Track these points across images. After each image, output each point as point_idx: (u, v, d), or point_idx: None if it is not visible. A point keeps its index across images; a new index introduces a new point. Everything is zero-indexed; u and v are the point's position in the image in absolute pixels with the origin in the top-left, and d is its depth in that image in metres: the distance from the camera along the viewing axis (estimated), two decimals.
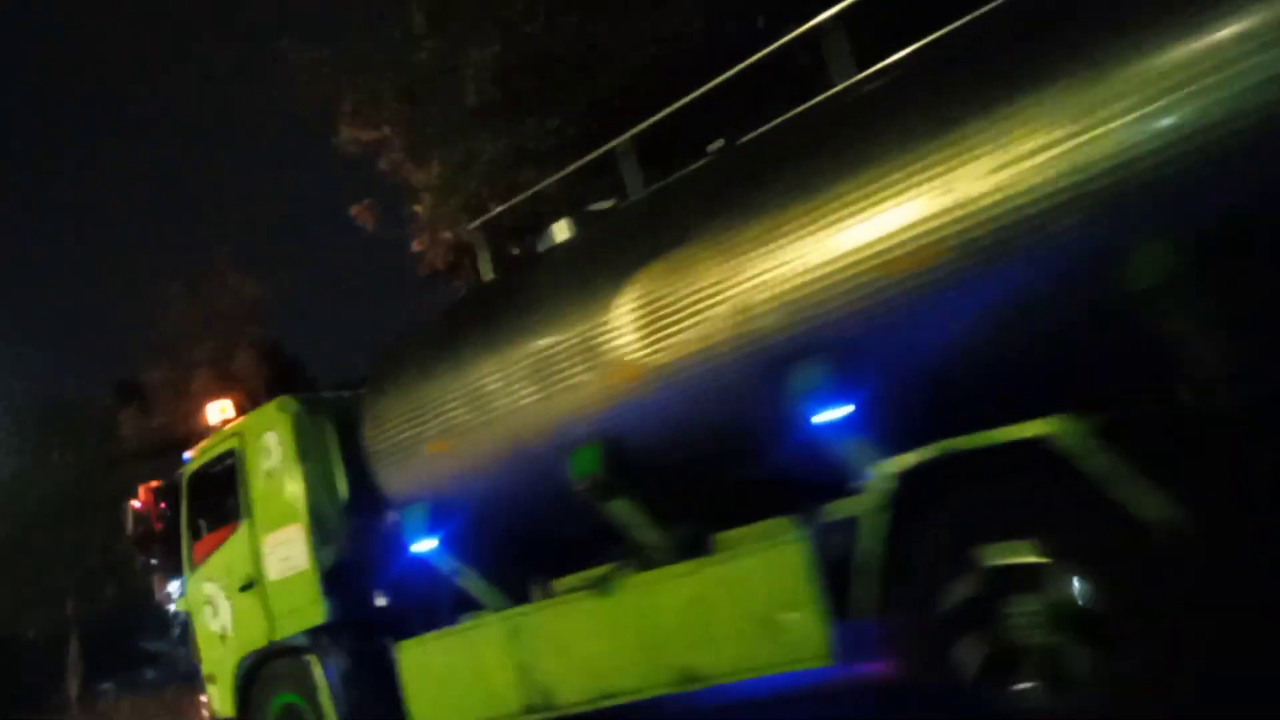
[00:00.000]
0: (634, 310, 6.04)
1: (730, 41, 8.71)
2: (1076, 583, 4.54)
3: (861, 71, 5.64)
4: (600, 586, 6.47)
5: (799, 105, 5.93)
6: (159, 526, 9.57)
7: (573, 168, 7.96)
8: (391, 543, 7.61)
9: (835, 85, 5.75)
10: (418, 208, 10.95)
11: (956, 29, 5.27)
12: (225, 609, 8.82)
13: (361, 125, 11.47)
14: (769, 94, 7.50)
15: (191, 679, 13.22)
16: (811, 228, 5.20)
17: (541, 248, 7.50)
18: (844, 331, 5.11)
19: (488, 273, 8.06)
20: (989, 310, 4.77)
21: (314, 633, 8.13)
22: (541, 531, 7.03)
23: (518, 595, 7.30)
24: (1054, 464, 4.47)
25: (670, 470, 6.12)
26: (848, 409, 5.15)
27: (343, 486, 8.19)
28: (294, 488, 8.16)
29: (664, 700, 6.45)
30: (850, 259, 5.06)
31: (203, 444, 9.19)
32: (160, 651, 25.61)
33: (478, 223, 8.37)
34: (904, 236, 4.88)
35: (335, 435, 8.25)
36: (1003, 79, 4.72)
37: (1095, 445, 4.39)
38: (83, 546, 24.25)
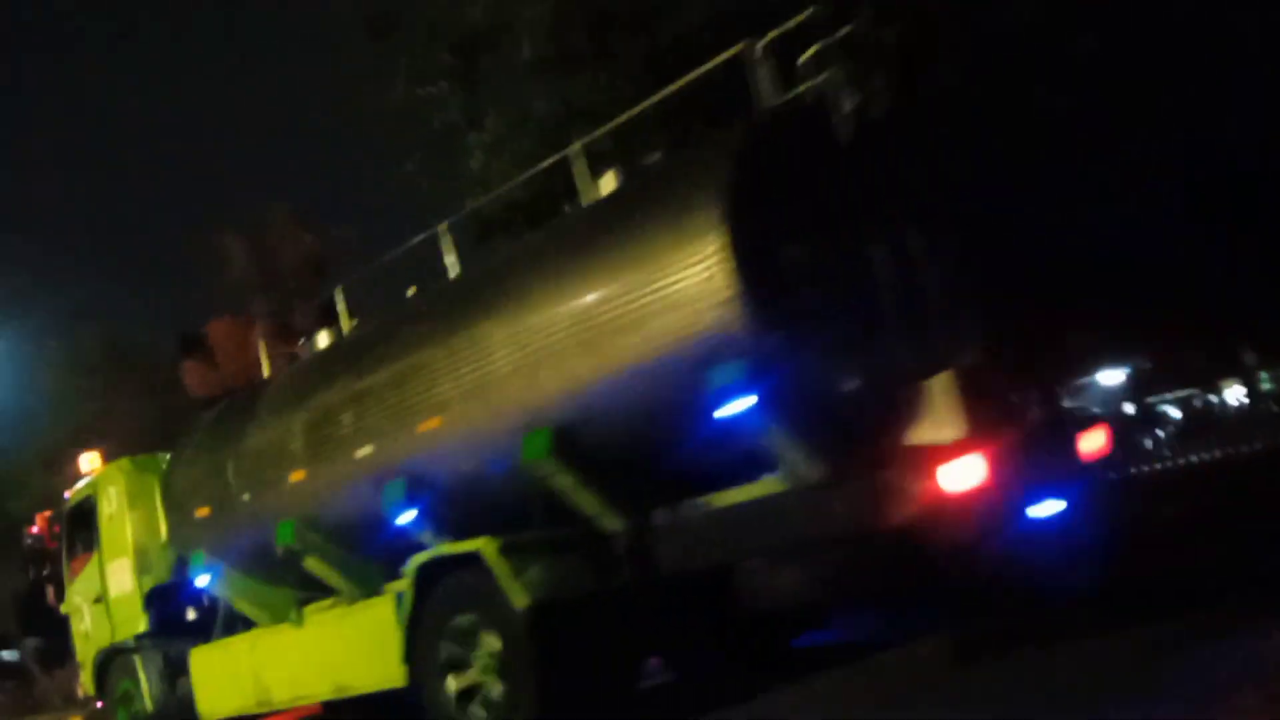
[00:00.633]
0: (307, 433, 8.65)
1: None
2: (494, 640, 7.09)
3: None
4: (295, 620, 9.13)
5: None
6: (52, 545, 12.38)
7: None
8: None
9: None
10: (471, 165, 10.85)
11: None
12: (87, 615, 11.62)
13: (417, 82, 11.34)
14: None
15: None
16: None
17: (305, 354, 10.10)
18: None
19: (267, 370, 10.68)
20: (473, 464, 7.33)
21: (139, 638, 10.87)
22: (272, 579, 9.64)
23: (279, 616, 9.93)
24: (482, 565, 7.01)
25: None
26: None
27: (164, 529, 10.87)
28: (125, 529, 10.92)
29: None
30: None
31: (76, 487, 11.96)
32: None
33: (266, 335, 10.99)
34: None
35: (158, 489, 10.93)
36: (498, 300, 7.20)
37: (499, 555, 6.92)
38: None
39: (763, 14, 7.28)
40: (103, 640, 11.36)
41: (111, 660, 11.37)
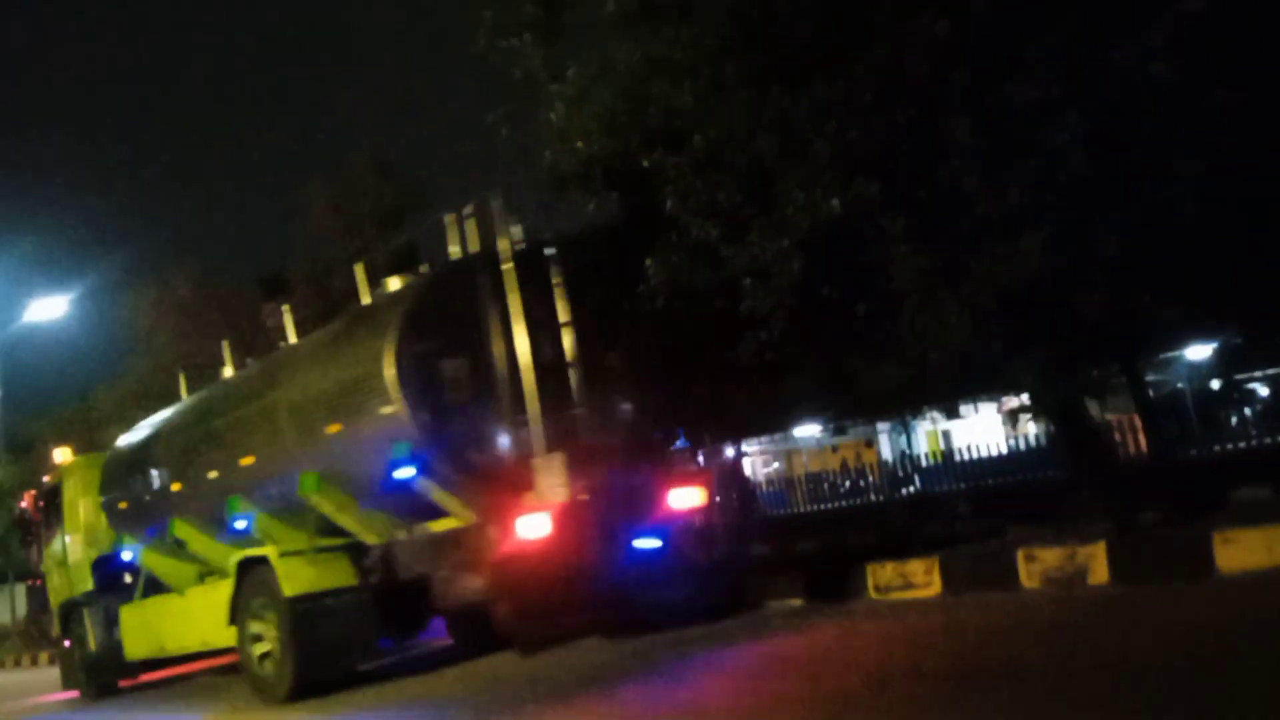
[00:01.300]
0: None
1: None
2: (274, 616, 10.09)
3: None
4: (179, 590, 12.29)
5: None
6: (37, 517, 15.76)
7: None
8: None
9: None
10: (552, 116, 10.59)
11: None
12: (55, 575, 14.97)
13: (500, 34, 11.16)
14: None
15: None
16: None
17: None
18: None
19: (185, 395, 13.80)
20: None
21: (87, 595, 14.15)
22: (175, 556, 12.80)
23: (186, 583, 13.09)
24: (269, 565, 10.02)
25: None
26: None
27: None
28: (79, 511, 14.19)
29: None
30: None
31: (51, 474, 15.28)
32: None
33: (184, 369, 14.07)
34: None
35: None
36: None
37: (279, 558, 9.92)
38: None
39: None
40: (63, 594, 14.68)
41: (71, 611, 14.69)
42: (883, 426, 28.38)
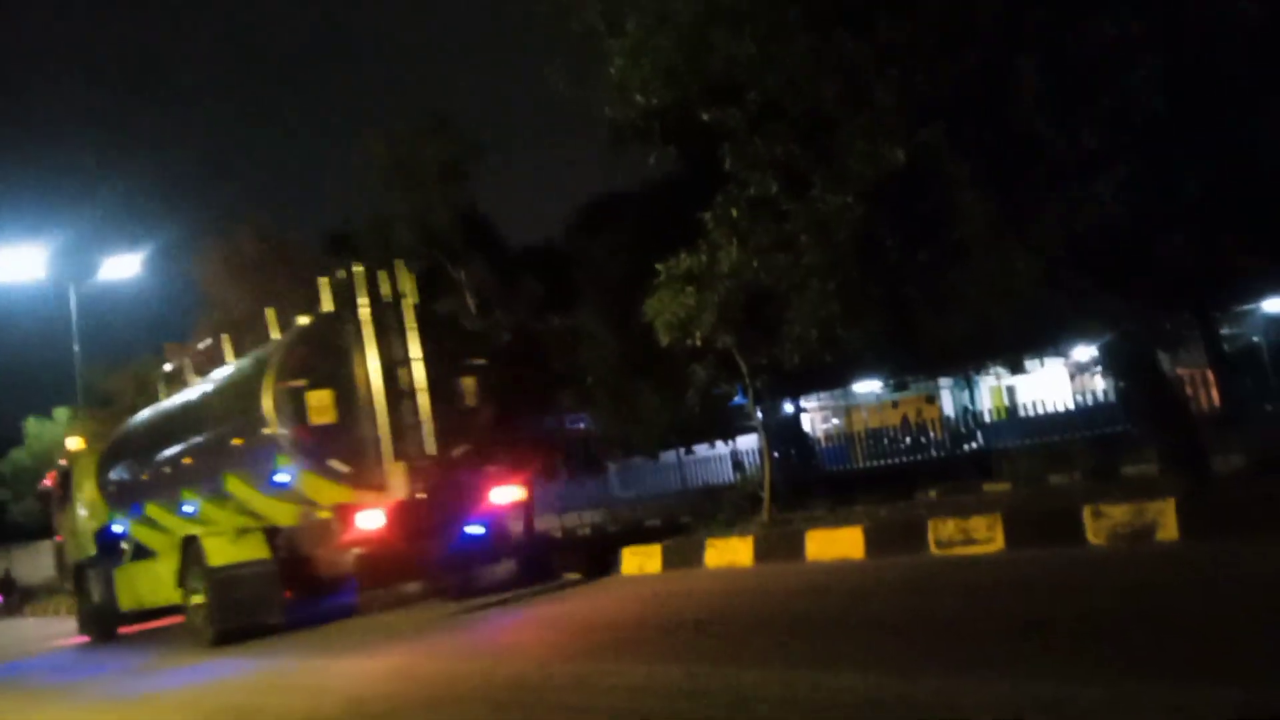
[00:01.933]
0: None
1: None
2: (203, 583, 13.18)
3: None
4: (155, 556, 15.49)
5: None
6: (59, 493, 19.15)
7: None
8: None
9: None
10: (610, 70, 10.60)
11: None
12: (70, 541, 18.35)
13: None
14: None
15: None
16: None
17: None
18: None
19: (163, 397, 16.96)
20: None
21: (90, 559, 17.49)
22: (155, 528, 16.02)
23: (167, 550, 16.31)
24: (199, 542, 13.10)
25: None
26: None
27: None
28: (85, 489, 17.48)
29: None
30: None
31: (65, 459, 18.64)
32: None
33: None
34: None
35: None
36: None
37: (206, 536, 13.00)
38: None
39: None
40: (76, 555, 18.07)
41: (80, 571, 18.06)
42: (945, 382, 28.23)
